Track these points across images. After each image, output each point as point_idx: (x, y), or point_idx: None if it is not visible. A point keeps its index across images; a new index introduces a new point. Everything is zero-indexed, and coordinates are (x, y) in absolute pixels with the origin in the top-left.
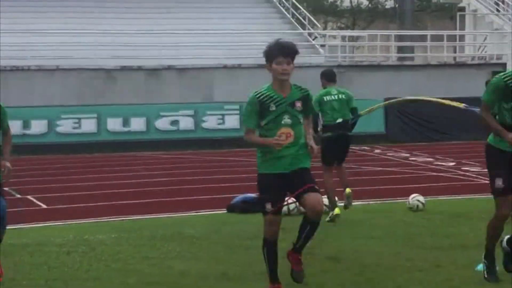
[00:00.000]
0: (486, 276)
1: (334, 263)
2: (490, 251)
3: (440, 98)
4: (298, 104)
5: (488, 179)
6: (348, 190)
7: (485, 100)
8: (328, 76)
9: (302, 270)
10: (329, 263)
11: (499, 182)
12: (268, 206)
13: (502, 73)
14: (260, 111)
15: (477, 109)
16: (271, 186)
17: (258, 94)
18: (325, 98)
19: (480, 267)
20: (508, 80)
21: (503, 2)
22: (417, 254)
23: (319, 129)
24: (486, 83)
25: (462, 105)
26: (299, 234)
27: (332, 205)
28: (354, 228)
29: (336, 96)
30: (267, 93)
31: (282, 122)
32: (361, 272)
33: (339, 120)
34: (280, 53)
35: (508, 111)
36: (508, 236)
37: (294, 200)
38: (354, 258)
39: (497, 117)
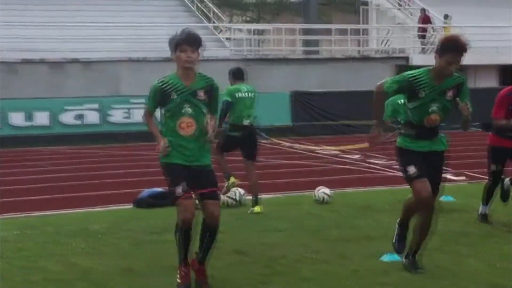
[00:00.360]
0: (394, 240)
1: (241, 256)
2: (402, 226)
3: (345, 90)
4: (201, 94)
5: (401, 173)
6: (257, 208)
7: (384, 84)
8: (237, 74)
9: (207, 281)
10: (236, 257)
11: (411, 169)
12: (179, 190)
13: (410, 72)
14: (162, 99)
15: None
16: (178, 172)
17: (160, 82)
18: (237, 94)
19: (385, 257)
20: (412, 78)
21: None
22: (324, 246)
23: (227, 120)
24: None
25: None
26: (200, 243)
27: (227, 176)
28: (262, 221)
29: (246, 94)
30: (170, 81)
31: (183, 111)
32: (268, 265)
33: (247, 121)
34: (185, 41)
35: (412, 111)
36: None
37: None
38: (261, 251)
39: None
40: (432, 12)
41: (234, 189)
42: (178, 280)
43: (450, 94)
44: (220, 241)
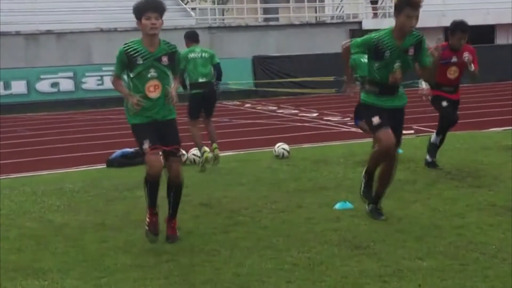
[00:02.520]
0: (362, 187)
1: (206, 208)
2: (369, 174)
3: (302, 54)
4: (165, 59)
5: (366, 126)
6: (214, 145)
7: (351, 43)
8: (191, 37)
9: (176, 235)
10: (201, 209)
11: (375, 119)
12: (146, 145)
13: (374, 33)
14: (128, 63)
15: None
16: (146, 129)
17: (126, 47)
18: (189, 55)
19: (338, 205)
20: (377, 41)
21: None
22: (282, 197)
23: (187, 85)
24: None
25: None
26: (168, 201)
27: (201, 151)
28: (225, 176)
29: (199, 54)
30: (135, 47)
31: (149, 75)
32: (231, 216)
33: (203, 79)
34: (149, 8)
35: (378, 70)
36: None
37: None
38: (225, 203)
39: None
40: None
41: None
42: (146, 227)
43: (411, 51)
44: (186, 195)
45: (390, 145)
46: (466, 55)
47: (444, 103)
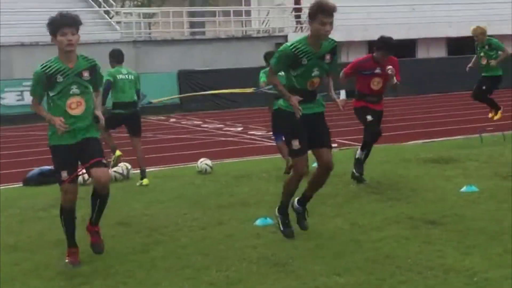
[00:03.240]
0: (281, 229)
1: (124, 227)
2: (285, 206)
3: (229, 68)
4: (86, 74)
5: (286, 142)
6: (145, 181)
7: (272, 66)
8: (117, 57)
9: (101, 242)
10: (118, 228)
11: (295, 143)
12: (64, 174)
13: (289, 43)
14: (47, 83)
15: (265, 89)
16: (65, 156)
17: (43, 67)
18: (117, 76)
19: (259, 221)
20: (294, 49)
21: None
22: (203, 214)
23: (111, 103)
24: (265, 56)
25: (252, 90)
26: (92, 207)
27: (113, 148)
28: (146, 193)
29: (126, 76)
30: (53, 65)
31: (71, 92)
32: (150, 234)
33: (128, 99)
34: (64, 24)
35: (296, 77)
36: (297, 198)
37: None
38: (144, 221)
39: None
40: None
41: (121, 164)
42: (66, 260)
43: (328, 57)
44: (104, 214)
45: (304, 173)
46: (390, 68)
47: (369, 118)
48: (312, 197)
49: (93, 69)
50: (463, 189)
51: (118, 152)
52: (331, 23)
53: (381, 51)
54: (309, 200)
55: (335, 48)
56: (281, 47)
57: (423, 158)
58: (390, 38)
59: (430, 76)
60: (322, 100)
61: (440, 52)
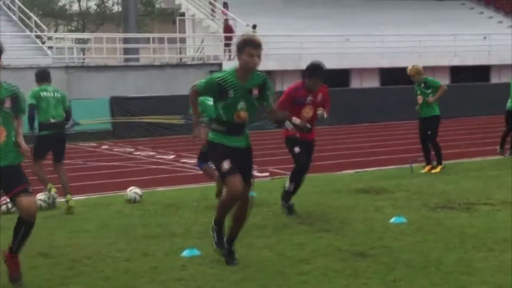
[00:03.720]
0: (215, 247)
1: (45, 259)
2: (219, 225)
3: (162, 95)
4: (8, 103)
5: (216, 167)
6: (68, 196)
7: (197, 86)
8: (42, 76)
9: (20, 275)
10: (39, 259)
11: (225, 164)
12: None
13: (219, 73)
14: None
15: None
16: None
17: None
18: (41, 94)
19: (185, 252)
20: (221, 81)
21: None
22: (128, 244)
23: (35, 125)
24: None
25: (180, 118)
26: (15, 236)
27: (48, 188)
28: (70, 222)
29: (52, 94)
30: None
31: None
32: (71, 266)
33: (54, 119)
34: None
35: (223, 109)
36: (225, 238)
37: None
38: (66, 252)
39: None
40: (241, 22)
41: (47, 185)
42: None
43: (255, 92)
44: (25, 245)
45: (239, 192)
46: (320, 110)
47: (297, 149)
48: (237, 236)
49: (16, 97)
50: (392, 220)
51: (50, 185)
52: (259, 56)
53: (312, 78)
54: (234, 239)
55: (266, 83)
56: (209, 77)
57: (354, 188)
58: (319, 65)
59: (363, 105)
60: (248, 136)
61: (373, 82)
